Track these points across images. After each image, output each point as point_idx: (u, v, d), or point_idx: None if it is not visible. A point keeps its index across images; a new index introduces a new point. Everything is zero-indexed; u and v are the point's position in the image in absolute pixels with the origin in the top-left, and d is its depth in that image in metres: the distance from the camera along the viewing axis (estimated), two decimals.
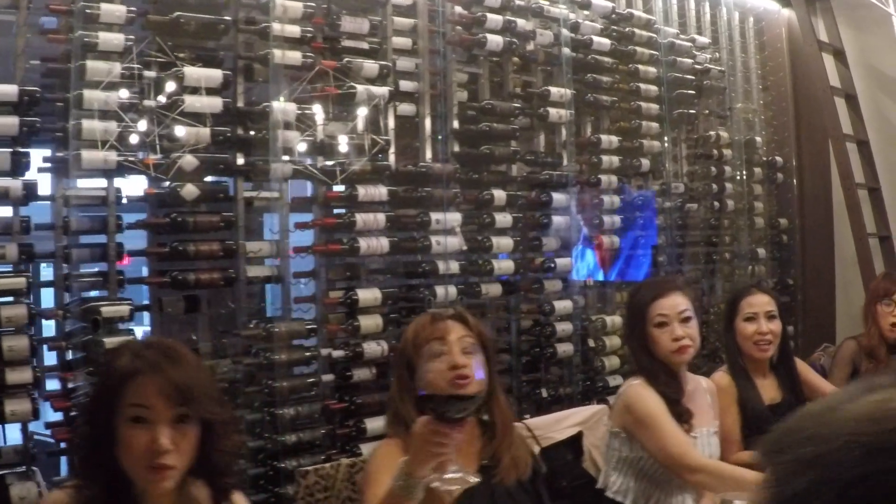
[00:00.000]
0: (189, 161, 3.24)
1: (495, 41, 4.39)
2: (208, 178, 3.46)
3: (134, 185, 3.37)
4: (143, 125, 3.19)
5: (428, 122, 4.23)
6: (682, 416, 3.00)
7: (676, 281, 3.49)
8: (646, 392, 3.02)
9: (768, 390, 3.53)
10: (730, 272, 5.98)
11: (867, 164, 6.04)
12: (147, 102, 3.19)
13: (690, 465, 2.87)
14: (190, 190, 3.26)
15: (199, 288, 3.34)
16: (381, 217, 3.88)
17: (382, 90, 3.89)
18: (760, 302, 3.54)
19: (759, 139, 6.21)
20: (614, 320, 4.93)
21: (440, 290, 4.07)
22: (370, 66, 3.85)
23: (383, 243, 3.88)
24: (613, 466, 3.10)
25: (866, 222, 5.96)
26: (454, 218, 4.17)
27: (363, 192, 3.81)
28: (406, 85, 4.15)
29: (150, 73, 3.21)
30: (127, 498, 1.75)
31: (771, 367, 3.57)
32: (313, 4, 3.67)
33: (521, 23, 4.54)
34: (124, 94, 3.12)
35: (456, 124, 4.35)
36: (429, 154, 4.22)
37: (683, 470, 2.88)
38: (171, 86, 3.23)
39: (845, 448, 0.83)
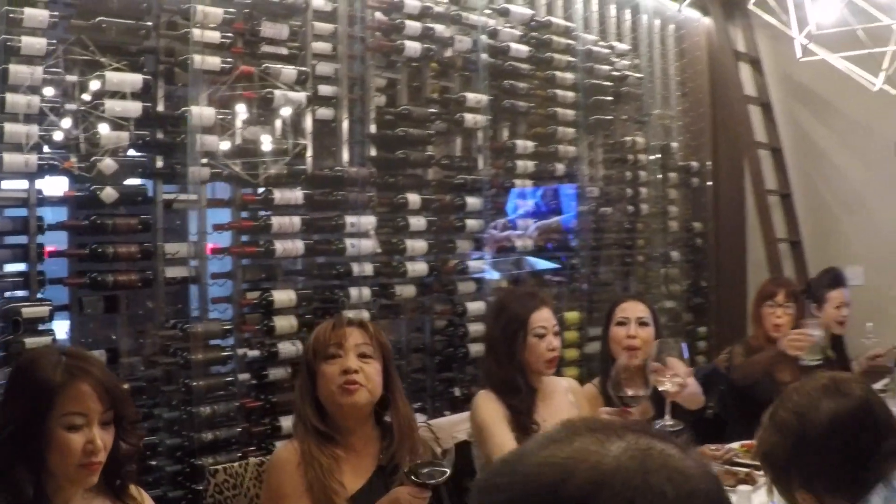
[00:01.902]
0: (108, 164, 3.48)
1: (413, 47, 4.68)
2: (128, 182, 3.68)
3: (54, 187, 3.58)
4: (64, 128, 3.41)
5: (346, 127, 4.50)
6: (527, 427, 3.32)
7: (544, 294, 3.82)
8: (487, 402, 3.39)
9: None
10: (643, 274, 6.37)
11: (780, 171, 6.49)
12: (68, 106, 3.42)
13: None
14: (109, 193, 3.50)
15: (117, 289, 3.58)
16: (296, 220, 4.14)
17: (300, 95, 4.17)
18: (634, 308, 3.84)
19: (675, 145, 6.61)
20: None
21: (354, 291, 4.36)
22: (289, 72, 4.12)
23: (299, 245, 4.15)
24: (480, 472, 3.45)
25: (778, 228, 6.40)
26: (369, 221, 4.46)
27: (279, 195, 4.08)
28: (325, 89, 4.41)
29: (72, 77, 3.44)
30: (36, 500, 2.00)
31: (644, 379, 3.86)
32: (234, 11, 3.93)
33: (440, 29, 4.84)
34: (47, 95, 3.34)
35: (373, 129, 4.62)
36: (346, 158, 4.50)
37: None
38: (93, 88, 3.46)
39: (518, 498, 0.92)
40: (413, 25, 4.68)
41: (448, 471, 2.33)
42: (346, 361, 2.66)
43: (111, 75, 3.49)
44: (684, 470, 0.89)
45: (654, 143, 6.38)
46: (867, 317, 5.23)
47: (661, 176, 6.43)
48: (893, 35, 3.55)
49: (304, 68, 4.20)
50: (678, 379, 2.86)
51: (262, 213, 4.08)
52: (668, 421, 2.95)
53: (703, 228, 6.85)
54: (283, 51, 4.19)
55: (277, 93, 4.05)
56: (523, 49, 5.35)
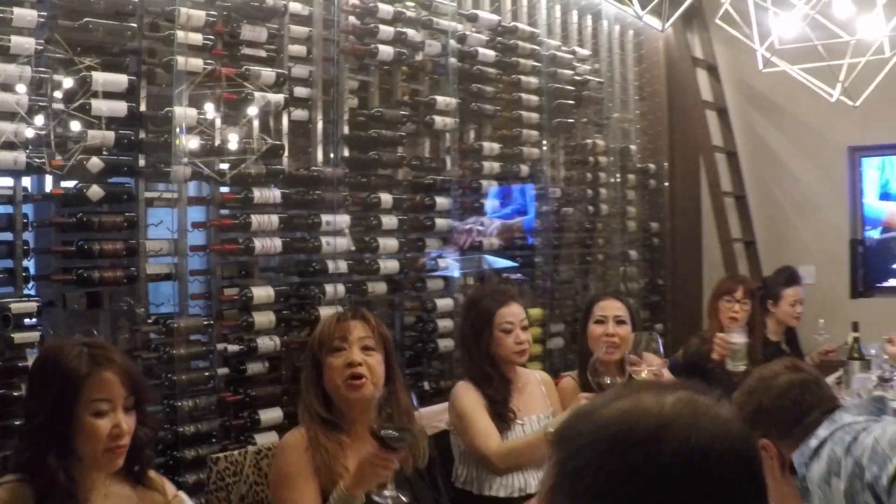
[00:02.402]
0: (95, 163, 3.53)
1: (386, 51, 4.77)
2: (111, 180, 3.72)
3: (40, 185, 3.63)
4: (50, 127, 3.45)
5: (320, 128, 4.57)
6: (504, 415, 3.52)
7: (513, 291, 3.96)
8: (465, 392, 3.56)
9: None
10: (602, 272, 6.50)
11: (735, 174, 6.67)
12: (56, 105, 3.46)
13: (489, 452, 3.39)
14: (96, 191, 3.55)
15: (102, 285, 3.62)
16: (274, 218, 4.21)
17: (278, 97, 4.23)
18: (611, 307, 3.94)
19: (633, 147, 6.76)
20: None
21: (329, 288, 4.44)
22: (267, 74, 4.18)
23: (276, 243, 4.22)
24: (459, 460, 3.58)
25: (733, 228, 6.58)
26: (343, 220, 4.54)
27: (258, 194, 4.14)
28: (300, 91, 4.47)
29: (59, 77, 3.48)
30: (67, 485, 2.07)
31: (622, 371, 3.99)
32: (215, 13, 3.98)
33: (412, 34, 4.93)
34: (35, 94, 3.38)
35: (346, 130, 4.70)
36: (320, 158, 4.57)
37: (487, 458, 3.40)
38: (78, 88, 3.50)
39: (595, 441, 1.11)
40: (386, 30, 4.76)
41: (414, 438, 2.38)
42: (350, 354, 2.73)
43: (97, 75, 3.53)
44: (723, 414, 1.13)
45: (614, 146, 6.52)
46: (819, 314, 5.43)
47: (619, 177, 6.56)
48: (850, 49, 3.70)
49: (282, 71, 4.27)
50: (653, 369, 2.99)
51: (240, 211, 4.14)
52: None
53: (659, 228, 7.01)
54: (262, 53, 4.26)
55: (257, 94, 4.12)
56: (490, 54, 5.45)
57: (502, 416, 3.49)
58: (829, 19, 3.61)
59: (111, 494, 2.18)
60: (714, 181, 6.47)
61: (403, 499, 2.25)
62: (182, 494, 2.41)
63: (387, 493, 2.18)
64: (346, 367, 2.72)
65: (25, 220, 3.47)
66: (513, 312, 3.63)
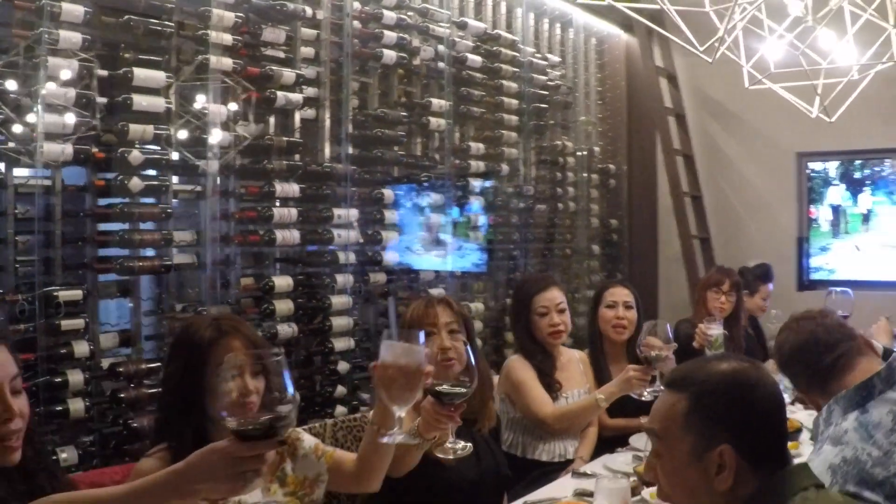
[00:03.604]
0: (136, 156, 3.43)
1: (389, 55, 4.73)
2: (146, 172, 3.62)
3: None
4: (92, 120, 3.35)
5: (327, 126, 4.51)
6: (552, 385, 3.69)
7: (554, 277, 4.05)
8: (519, 364, 3.71)
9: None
10: (568, 265, 6.55)
11: (691, 175, 6.75)
12: (99, 99, 3.36)
13: (545, 414, 3.54)
14: (136, 182, 3.45)
15: (141, 274, 3.53)
16: (293, 211, 4.15)
17: (297, 96, 4.17)
18: (621, 293, 4.06)
19: (597, 149, 6.81)
20: (477, 307, 5.40)
21: (340, 278, 4.40)
22: (288, 74, 4.11)
23: (295, 235, 4.16)
24: (505, 426, 3.69)
25: (690, 226, 6.67)
26: (353, 213, 4.50)
27: (280, 188, 4.08)
28: (309, 91, 4.41)
29: (103, 72, 3.37)
30: (198, 445, 2.02)
31: (627, 353, 4.06)
32: (242, 15, 3.90)
33: (411, 40, 4.90)
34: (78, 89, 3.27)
35: (350, 129, 4.64)
36: (327, 155, 4.51)
37: (541, 419, 3.55)
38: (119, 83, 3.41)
39: (721, 383, 1.70)
40: (389, 35, 4.73)
41: (467, 391, 2.15)
42: (440, 340, 2.75)
43: (139, 72, 3.44)
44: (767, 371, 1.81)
45: (579, 147, 6.57)
46: (770, 304, 5.55)
47: (585, 176, 6.61)
48: (822, 73, 3.84)
49: (300, 71, 4.20)
50: (663, 350, 3.07)
51: (260, 204, 4.07)
52: (660, 386, 3.15)
53: (618, 225, 7.07)
54: (280, 54, 4.19)
55: (280, 94, 4.05)
56: (477, 59, 5.45)
57: (550, 387, 3.65)
58: (802, 42, 3.72)
59: None
60: (675, 182, 6.56)
61: (461, 449, 2.09)
62: (299, 430, 2.39)
63: (448, 444, 2.07)
64: (439, 351, 2.72)
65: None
66: (549, 297, 3.76)
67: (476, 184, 5.54)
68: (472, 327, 2.97)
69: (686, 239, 6.46)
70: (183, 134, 3.72)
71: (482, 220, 5.59)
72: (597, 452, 3.58)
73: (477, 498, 2.66)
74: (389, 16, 4.75)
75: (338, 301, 4.39)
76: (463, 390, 2.07)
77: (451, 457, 2.06)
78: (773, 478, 1.65)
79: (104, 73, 3.39)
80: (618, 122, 7.02)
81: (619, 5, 3.55)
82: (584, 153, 6.62)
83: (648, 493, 2.41)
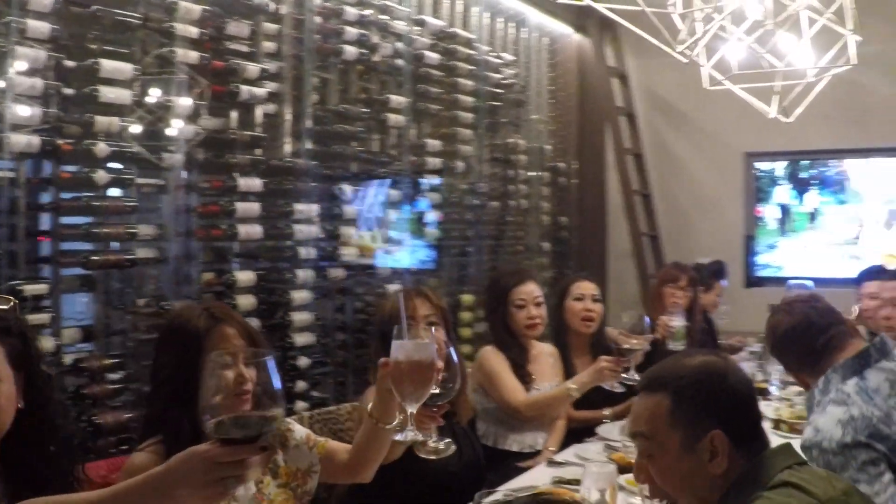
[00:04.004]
0: (102, 148, 3.41)
1: (350, 51, 4.75)
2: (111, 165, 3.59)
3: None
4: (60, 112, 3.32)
5: (288, 121, 4.51)
6: (525, 377, 3.76)
7: (531, 271, 4.11)
8: (493, 354, 3.80)
9: (583, 368, 4.12)
10: (519, 262, 6.62)
11: (641, 173, 6.88)
12: (66, 90, 3.33)
13: (518, 402, 3.62)
14: (102, 175, 3.42)
15: (106, 268, 3.50)
16: (255, 206, 4.15)
17: (261, 91, 4.17)
18: (588, 286, 4.17)
19: (547, 147, 6.90)
20: None
21: (301, 273, 4.41)
22: (252, 68, 4.11)
23: (257, 230, 4.16)
24: (480, 416, 3.76)
25: (640, 223, 6.80)
26: (313, 208, 4.51)
27: (242, 182, 4.07)
28: (269, 86, 4.40)
29: (70, 63, 3.34)
30: (192, 435, 2.02)
31: (590, 346, 4.16)
32: (209, 8, 3.89)
33: (371, 36, 4.92)
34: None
35: (309, 124, 4.65)
36: (287, 150, 4.51)
37: (514, 408, 3.63)
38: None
39: (698, 375, 1.82)
40: (351, 31, 4.75)
41: (450, 392, 2.14)
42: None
43: (105, 63, 3.41)
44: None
45: (531, 145, 6.65)
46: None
47: (536, 174, 6.69)
48: (780, 75, 3.97)
49: (264, 66, 4.20)
50: (641, 344, 3.18)
51: (222, 198, 4.06)
52: (633, 374, 3.26)
53: (568, 222, 7.17)
54: (244, 48, 4.18)
55: (243, 88, 4.05)
56: (435, 57, 5.49)
57: (523, 379, 3.72)
58: (760, 44, 3.85)
59: None
60: (626, 180, 6.68)
61: (444, 447, 2.08)
62: (289, 421, 2.39)
63: (431, 444, 2.06)
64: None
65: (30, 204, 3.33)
66: (527, 290, 3.85)
67: (432, 181, 5.59)
68: (449, 320, 3.02)
69: (636, 236, 6.59)
70: (147, 127, 3.70)
71: (437, 216, 5.64)
72: (563, 444, 3.65)
73: (457, 489, 2.71)
74: (351, 12, 4.77)
75: (298, 296, 4.40)
76: (445, 392, 2.09)
77: (434, 457, 2.06)
78: (760, 457, 1.76)
79: (71, 63, 3.36)
80: (568, 120, 7.12)
81: (598, 6, 3.61)
82: (536, 151, 6.71)
83: (625, 478, 2.48)
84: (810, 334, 2.52)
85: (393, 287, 5.08)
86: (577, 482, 2.59)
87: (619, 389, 3.35)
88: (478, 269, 6.05)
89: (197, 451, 1.48)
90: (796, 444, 2.66)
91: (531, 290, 3.86)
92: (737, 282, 6.60)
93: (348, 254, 4.77)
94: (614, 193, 6.93)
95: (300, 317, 4.40)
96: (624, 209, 6.71)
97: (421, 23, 5.40)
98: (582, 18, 6.99)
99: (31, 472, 1.70)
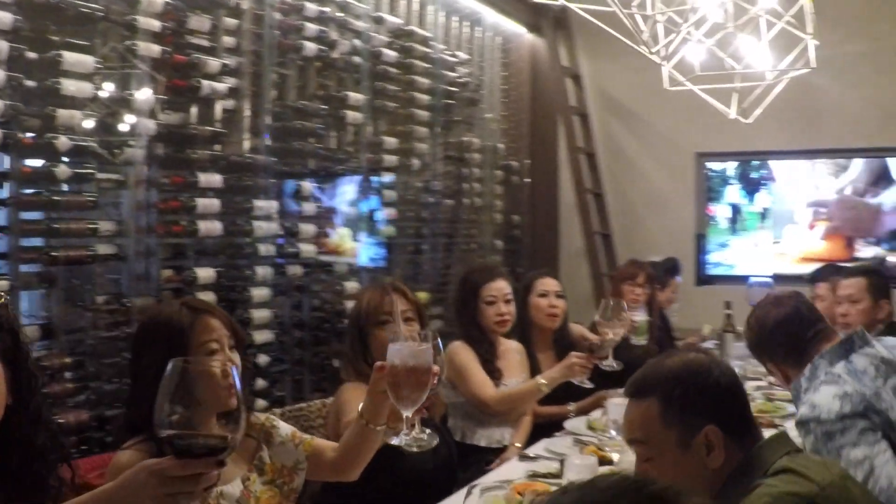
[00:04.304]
0: (64, 142, 3.36)
1: (310, 47, 4.74)
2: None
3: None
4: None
5: (247, 117, 4.49)
6: (494, 373, 3.79)
7: (501, 269, 4.14)
8: (462, 349, 3.81)
9: (547, 363, 4.18)
10: (472, 260, 6.66)
11: (594, 173, 6.96)
12: (27, 83, 3.28)
13: (488, 397, 3.64)
14: (64, 170, 3.38)
15: (68, 264, 3.45)
16: (216, 202, 4.12)
17: (222, 86, 4.14)
18: (552, 283, 4.22)
19: (500, 146, 6.95)
20: None
21: (260, 270, 4.39)
22: (213, 63, 4.08)
23: (217, 226, 4.13)
24: (448, 411, 3.80)
25: (592, 222, 6.88)
26: (272, 205, 4.49)
27: (203, 178, 4.04)
28: (229, 81, 4.37)
29: (32, 55, 3.29)
30: None
31: (553, 342, 4.21)
32: (171, 1, 3.85)
33: (331, 33, 4.92)
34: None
35: (268, 120, 4.63)
36: (246, 146, 4.49)
37: (484, 402, 3.65)
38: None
39: (684, 375, 1.87)
40: (311, 27, 4.74)
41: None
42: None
43: (68, 55, 3.36)
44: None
45: (485, 144, 6.69)
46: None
47: (490, 172, 6.74)
48: (738, 77, 4.07)
49: (226, 61, 4.17)
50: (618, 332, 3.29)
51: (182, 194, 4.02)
52: (613, 361, 3.33)
53: (520, 221, 7.23)
54: (205, 43, 4.15)
55: (205, 82, 4.02)
56: (392, 54, 5.50)
57: (492, 374, 3.75)
58: (718, 46, 3.94)
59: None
60: (579, 180, 6.75)
61: (427, 439, 2.04)
62: (273, 418, 2.38)
63: (414, 434, 2.02)
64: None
65: None
66: (497, 287, 3.88)
67: (388, 178, 5.60)
68: (425, 315, 3.04)
69: (589, 235, 6.66)
70: (107, 121, 3.66)
71: (393, 214, 5.64)
72: (529, 440, 3.69)
73: (432, 485, 2.73)
74: (311, 8, 4.76)
75: (257, 293, 4.38)
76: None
77: (415, 449, 2.04)
78: (757, 447, 1.82)
79: (33, 55, 3.31)
80: (521, 119, 7.17)
81: (573, 6, 3.65)
82: (490, 150, 6.75)
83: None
84: (801, 326, 2.60)
85: (350, 285, 5.09)
86: (552, 475, 2.64)
87: (588, 385, 3.41)
88: (432, 266, 6.08)
89: (146, 465, 1.44)
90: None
91: (501, 286, 3.90)
92: (688, 280, 6.71)
93: (306, 252, 4.74)
94: (567, 192, 7.01)
95: (259, 314, 4.38)
96: (577, 208, 6.77)
97: (379, 20, 5.41)
98: (536, 18, 7.04)
99: (19, 470, 1.67)
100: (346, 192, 5.18)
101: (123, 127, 3.70)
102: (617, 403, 2.83)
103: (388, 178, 5.64)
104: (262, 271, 4.40)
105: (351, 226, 5.24)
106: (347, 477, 2.31)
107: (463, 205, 6.43)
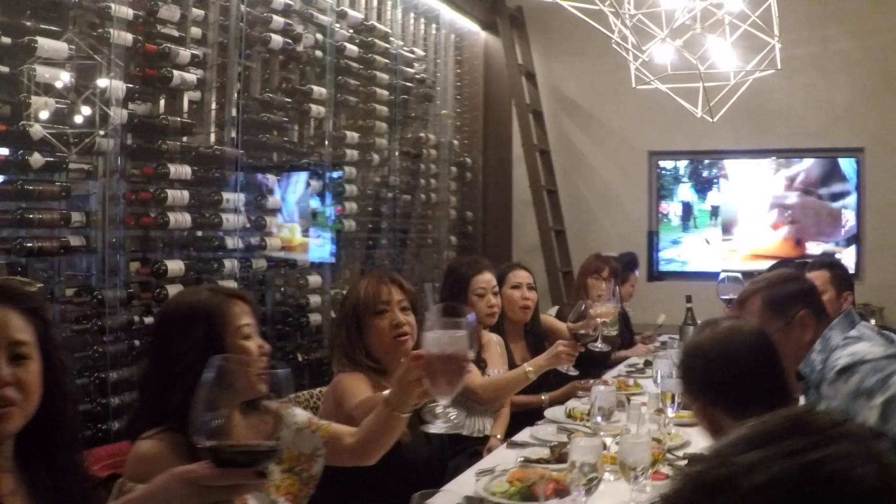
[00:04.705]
0: (37, 130, 3.28)
1: (277, 40, 4.71)
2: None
3: None
4: None
5: (213, 109, 4.44)
6: (479, 363, 3.79)
7: (486, 262, 4.15)
8: None
9: (519, 354, 4.23)
10: (429, 255, 6.68)
11: (547, 170, 7.02)
12: (1, 68, 3.20)
13: (476, 385, 3.62)
14: (37, 158, 3.30)
15: (40, 255, 3.37)
16: (185, 194, 4.06)
17: (191, 76, 4.09)
18: (524, 275, 4.28)
19: (455, 142, 6.98)
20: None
21: (228, 263, 4.34)
22: (184, 53, 4.02)
23: (187, 218, 4.07)
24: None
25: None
26: (240, 198, 4.44)
27: (173, 170, 3.98)
28: (196, 73, 4.31)
29: (6, 40, 3.21)
30: None
31: (525, 333, 4.25)
32: None
33: (296, 26, 4.89)
34: None
35: (234, 113, 4.58)
36: (213, 139, 4.43)
37: (472, 389, 3.62)
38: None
39: (704, 348, 2.15)
40: (277, 20, 4.71)
41: None
42: (394, 316, 2.83)
43: (43, 41, 3.29)
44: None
45: (441, 140, 6.71)
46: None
47: (446, 170, 6.75)
48: (704, 76, 4.15)
49: (196, 52, 4.12)
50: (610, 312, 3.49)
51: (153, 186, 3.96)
52: (600, 344, 3.38)
53: (473, 217, 7.27)
54: (175, 33, 4.09)
55: (176, 73, 3.96)
56: (355, 50, 5.49)
57: (477, 364, 3.73)
58: (690, 53, 4.02)
59: (238, 424, 2.12)
60: (535, 177, 6.80)
61: (455, 418, 1.99)
62: (293, 406, 2.35)
63: (451, 418, 1.96)
64: (393, 327, 2.80)
65: None
66: (485, 280, 3.90)
67: (347, 172, 5.57)
68: (418, 304, 3.04)
69: (545, 231, 6.71)
70: (78, 109, 3.59)
71: (353, 209, 5.62)
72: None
73: (427, 475, 2.71)
74: (277, 0, 4.73)
75: (229, 285, 4.33)
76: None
77: (450, 431, 2.02)
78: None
79: (7, 40, 3.23)
80: (474, 116, 7.21)
81: (567, 5, 3.68)
82: (445, 146, 6.77)
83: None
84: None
85: (313, 279, 5.06)
86: (545, 461, 2.66)
87: (573, 373, 3.44)
88: (389, 262, 6.07)
89: (181, 473, 1.36)
90: None
91: (489, 279, 3.93)
92: (641, 275, 6.79)
93: (272, 246, 4.71)
94: (520, 189, 7.06)
95: None
96: (533, 204, 6.83)
97: (343, 15, 5.38)
98: (492, 17, 7.08)
99: (61, 456, 1.64)
100: (307, 186, 5.14)
101: (93, 116, 3.62)
102: (603, 391, 2.86)
103: (343, 172, 5.61)
104: (230, 264, 4.35)
105: (303, 221, 5.20)
106: (366, 462, 2.29)
107: (419, 200, 6.44)
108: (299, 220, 5.17)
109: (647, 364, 4.50)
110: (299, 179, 5.17)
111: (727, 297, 3.95)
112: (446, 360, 1.85)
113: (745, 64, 4.11)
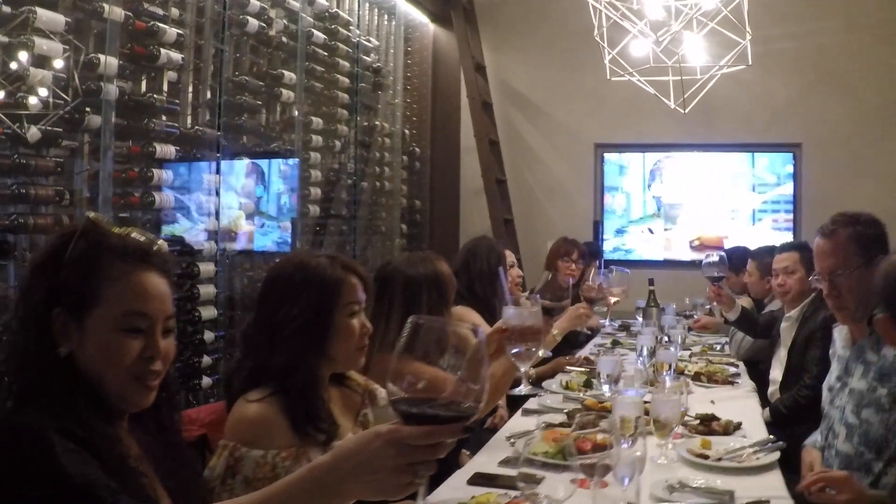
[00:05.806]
0: (33, 105, 3.16)
1: (253, 24, 4.62)
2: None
3: None
4: None
5: (190, 91, 4.34)
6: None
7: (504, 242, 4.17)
8: (466, 313, 3.70)
9: None
10: (382, 242, 6.66)
11: (497, 160, 7.06)
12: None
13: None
14: (34, 133, 3.17)
15: (39, 232, 3.24)
16: (171, 173, 3.96)
17: (177, 55, 3.99)
18: (511, 255, 4.26)
19: (407, 132, 6.96)
20: None
21: (206, 245, 4.26)
22: (171, 32, 3.92)
23: (171, 198, 3.97)
24: None
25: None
26: (217, 179, 4.35)
27: (159, 149, 3.88)
28: (174, 55, 4.20)
29: (6, 9, 3.08)
30: (316, 385, 1.96)
31: None
32: None
33: (270, 11, 4.81)
34: None
35: (208, 95, 4.49)
36: (189, 121, 4.33)
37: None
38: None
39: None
40: (254, 4, 4.62)
41: None
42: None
43: (42, 12, 3.16)
44: None
45: (393, 129, 6.69)
46: None
47: (399, 159, 6.74)
48: (675, 69, 4.23)
49: (181, 31, 4.02)
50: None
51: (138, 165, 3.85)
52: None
53: (422, 206, 7.26)
54: (160, 11, 3.98)
55: (163, 51, 3.86)
56: (321, 36, 5.43)
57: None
58: (660, 50, 4.11)
59: (334, 396, 2.09)
60: (488, 166, 6.82)
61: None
62: (375, 386, 2.26)
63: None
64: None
65: None
66: (510, 254, 4.06)
67: (313, 157, 5.50)
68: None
69: (496, 219, 6.75)
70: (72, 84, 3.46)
71: (317, 195, 5.56)
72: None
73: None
74: None
75: (205, 269, 4.24)
76: None
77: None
78: None
79: (7, 9, 3.09)
80: (423, 107, 7.20)
81: None
82: (397, 135, 6.75)
83: None
84: None
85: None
86: (566, 425, 2.68)
87: (588, 332, 3.50)
88: (339, 249, 6.02)
89: (381, 432, 1.21)
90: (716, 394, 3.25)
91: (510, 253, 4.10)
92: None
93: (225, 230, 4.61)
94: (468, 179, 7.08)
95: (206, 289, 4.24)
96: (483, 194, 6.86)
97: (311, 1, 5.32)
98: (444, 9, 7.08)
99: (155, 425, 1.58)
100: (280, 171, 5.07)
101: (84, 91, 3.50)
102: (607, 359, 2.90)
103: (310, 158, 5.55)
104: (208, 246, 4.27)
105: (248, 207, 5.09)
106: None
107: (372, 187, 6.41)
108: (250, 203, 5.08)
109: (615, 343, 4.56)
110: (271, 163, 5.08)
111: (711, 275, 4.07)
112: (525, 332, 2.02)
113: (726, 60, 4.20)
